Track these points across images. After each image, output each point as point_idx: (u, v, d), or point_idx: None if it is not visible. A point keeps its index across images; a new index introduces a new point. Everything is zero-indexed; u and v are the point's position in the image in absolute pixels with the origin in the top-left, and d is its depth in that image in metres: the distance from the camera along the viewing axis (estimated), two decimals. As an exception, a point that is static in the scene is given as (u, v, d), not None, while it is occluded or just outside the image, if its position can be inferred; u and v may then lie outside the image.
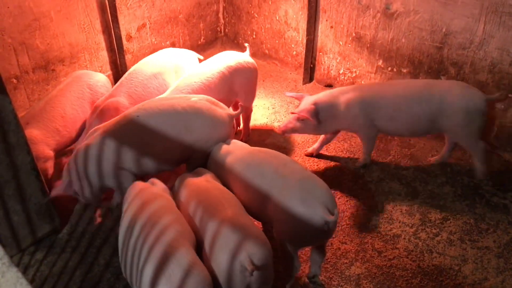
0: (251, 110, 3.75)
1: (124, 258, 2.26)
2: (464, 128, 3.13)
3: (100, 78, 3.48)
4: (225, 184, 2.69)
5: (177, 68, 3.71)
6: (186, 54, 3.90)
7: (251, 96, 3.64)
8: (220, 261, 2.13)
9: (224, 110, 2.97)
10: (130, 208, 2.37)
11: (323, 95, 3.34)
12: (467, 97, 3.09)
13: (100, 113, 3.31)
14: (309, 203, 2.31)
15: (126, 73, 3.69)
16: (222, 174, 2.76)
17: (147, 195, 2.43)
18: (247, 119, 3.75)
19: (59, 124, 3.14)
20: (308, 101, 3.29)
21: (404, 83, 3.37)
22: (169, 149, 2.85)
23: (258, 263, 2.06)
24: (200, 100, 2.93)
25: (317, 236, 2.41)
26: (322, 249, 2.62)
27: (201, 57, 3.98)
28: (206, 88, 3.27)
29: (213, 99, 3.01)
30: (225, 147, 2.86)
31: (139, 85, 3.52)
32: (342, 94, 3.29)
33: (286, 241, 2.44)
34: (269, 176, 2.50)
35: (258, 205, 2.54)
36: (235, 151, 2.78)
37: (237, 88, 3.48)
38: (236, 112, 3.08)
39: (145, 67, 3.65)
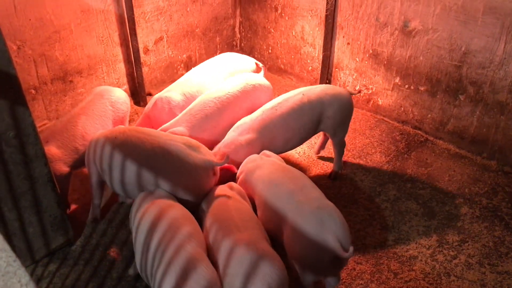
0: None
1: (144, 263, 2.29)
2: (340, 123, 3.35)
3: (121, 95, 3.48)
4: (252, 199, 2.71)
5: (234, 73, 3.80)
6: (245, 59, 4.03)
7: None
8: (235, 286, 2.09)
9: (203, 156, 2.73)
10: (148, 214, 2.41)
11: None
12: (340, 95, 3.31)
13: (153, 104, 3.54)
14: (322, 236, 2.23)
15: (187, 72, 3.97)
16: (249, 188, 2.76)
17: (164, 203, 2.49)
18: None
19: (79, 143, 3.12)
20: None
21: (286, 104, 3.20)
22: (134, 180, 2.78)
23: None
24: (176, 141, 2.77)
25: (328, 268, 2.35)
26: (336, 274, 2.55)
27: (260, 64, 4.09)
28: (219, 112, 3.25)
29: (195, 142, 2.83)
30: (255, 159, 2.86)
31: (195, 85, 3.69)
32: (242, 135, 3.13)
33: (297, 268, 2.41)
34: (284, 199, 2.46)
35: (275, 226, 2.50)
36: (263, 166, 2.77)
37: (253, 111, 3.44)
38: (219, 161, 2.75)
39: (204, 69, 3.85)
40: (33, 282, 0.72)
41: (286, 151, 3.39)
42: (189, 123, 3.22)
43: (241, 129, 3.14)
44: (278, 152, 3.27)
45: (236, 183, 2.92)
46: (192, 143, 2.80)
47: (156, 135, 2.83)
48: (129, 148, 2.74)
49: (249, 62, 4.03)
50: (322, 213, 2.31)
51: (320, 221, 2.27)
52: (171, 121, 3.32)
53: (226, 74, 3.82)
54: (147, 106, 3.62)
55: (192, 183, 2.72)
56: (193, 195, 2.75)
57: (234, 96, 3.36)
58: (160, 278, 2.09)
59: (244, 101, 3.40)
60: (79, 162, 3.17)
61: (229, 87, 3.42)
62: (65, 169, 3.06)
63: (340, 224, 2.29)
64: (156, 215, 2.38)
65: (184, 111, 3.33)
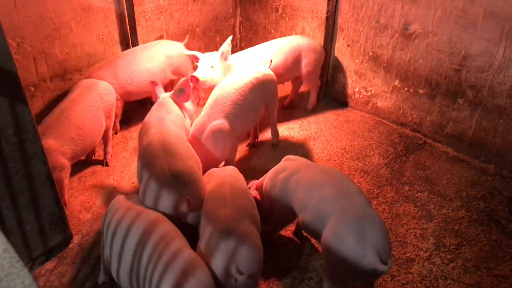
0: (276, 117, 3.88)
1: (135, 274, 2.25)
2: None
3: (108, 87, 3.55)
4: (288, 202, 2.70)
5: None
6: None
7: (276, 105, 3.81)
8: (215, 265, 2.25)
9: (176, 195, 2.57)
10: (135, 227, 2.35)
11: None
12: None
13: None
14: (361, 245, 2.19)
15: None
16: (286, 191, 2.72)
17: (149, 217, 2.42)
18: (274, 125, 3.92)
19: (75, 133, 3.17)
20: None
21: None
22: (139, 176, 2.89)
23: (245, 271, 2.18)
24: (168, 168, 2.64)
25: (362, 277, 2.31)
26: (371, 285, 2.50)
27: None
28: (243, 99, 3.38)
29: (194, 177, 2.67)
30: (287, 166, 2.83)
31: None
32: None
33: (329, 274, 2.40)
34: (328, 202, 2.42)
35: (316, 229, 2.47)
36: (299, 170, 2.73)
37: (265, 98, 3.61)
38: (187, 207, 2.55)
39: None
40: (36, 284, 0.72)
41: None
42: (223, 113, 3.30)
43: None
44: None
45: (264, 195, 2.96)
46: (180, 178, 2.61)
47: (168, 152, 2.74)
48: (148, 149, 2.80)
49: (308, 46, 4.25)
50: (364, 221, 2.26)
51: (361, 230, 2.22)
52: (201, 117, 3.33)
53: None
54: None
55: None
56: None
57: (251, 83, 3.47)
58: (157, 281, 2.08)
59: (256, 89, 3.50)
60: (76, 154, 3.24)
61: (245, 76, 3.51)
62: (63, 160, 3.09)
63: (381, 235, 2.24)
64: (146, 227, 2.32)
65: (208, 105, 3.38)
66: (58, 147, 3.07)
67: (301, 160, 2.94)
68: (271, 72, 3.69)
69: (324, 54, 4.34)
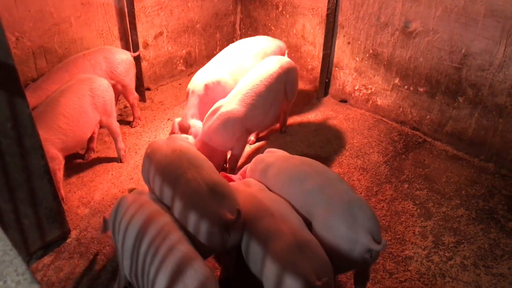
0: (290, 105, 4.00)
1: (134, 267, 2.24)
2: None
3: (102, 83, 3.50)
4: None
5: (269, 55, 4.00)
6: (276, 42, 4.19)
7: (295, 93, 3.86)
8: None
9: (216, 208, 2.36)
10: (135, 219, 2.34)
11: None
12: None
13: (204, 89, 3.65)
14: (354, 229, 2.23)
15: (221, 52, 4.08)
16: (264, 184, 2.74)
17: (150, 210, 2.39)
18: (285, 114, 4.04)
19: (62, 122, 3.18)
20: None
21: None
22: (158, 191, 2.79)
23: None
24: (203, 181, 2.47)
25: (358, 262, 2.31)
26: (366, 272, 2.51)
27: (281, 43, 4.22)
28: (267, 90, 3.42)
29: (223, 190, 2.46)
30: (265, 158, 2.85)
31: (238, 64, 3.88)
32: None
33: None
34: (313, 194, 2.44)
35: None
36: (276, 162, 2.74)
37: (287, 86, 3.67)
38: (232, 217, 2.34)
39: (239, 49, 4.06)
40: (29, 272, 0.71)
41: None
42: (243, 102, 3.32)
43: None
44: None
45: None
46: (218, 190, 2.43)
47: (195, 165, 2.59)
48: (170, 167, 2.62)
49: (280, 44, 4.20)
50: (353, 207, 2.31)
51: (351, 215, 2.27)
52: (223, 101, 3.36)
53: (261, 55, 4.01)
54: (194, 91, 3.64)
55: (199, 228, 2.40)
56: (198, 240, 2.40)
57: (276, 73, 3.52)
58: (154, 276, 2.07)
59: (283, 77, 3.57)
60: (68, 145, 3.23)
61: (269, 66, 3.56)
62: (53, 151, 3.08)
63: (371, 218, 2.29)
64: (145, 218, 2.30)
65: (233, 93, 3.42)
66: (46, 136, 3.06)
67: (280, 152, 2.96)
68: (292, 61, 3.76)
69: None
